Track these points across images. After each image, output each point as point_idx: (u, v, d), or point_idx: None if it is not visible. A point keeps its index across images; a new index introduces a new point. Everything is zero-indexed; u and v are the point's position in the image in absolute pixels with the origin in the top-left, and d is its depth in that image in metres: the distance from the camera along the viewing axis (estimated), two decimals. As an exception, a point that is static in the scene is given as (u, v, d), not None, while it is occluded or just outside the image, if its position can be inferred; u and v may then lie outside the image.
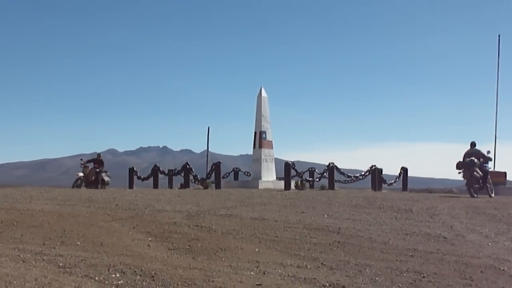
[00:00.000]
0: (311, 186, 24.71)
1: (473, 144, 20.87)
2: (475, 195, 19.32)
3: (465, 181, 19.95)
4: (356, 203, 14.32)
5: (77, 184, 24.54)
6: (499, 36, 29.91)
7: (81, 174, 24.86)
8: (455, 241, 9.60)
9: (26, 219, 9.83)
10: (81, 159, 26.34)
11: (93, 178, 24.97)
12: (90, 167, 25.16)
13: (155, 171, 25.39)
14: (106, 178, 25.59)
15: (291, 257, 7.86)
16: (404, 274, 7.22)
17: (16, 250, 7.55)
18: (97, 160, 25.91)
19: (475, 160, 20.01)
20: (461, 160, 20.35)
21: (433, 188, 28.90)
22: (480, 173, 20.04)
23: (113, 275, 6.48)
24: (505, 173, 26.69)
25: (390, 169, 28.04)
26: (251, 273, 6.89)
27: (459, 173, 20.15)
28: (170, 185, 25.01)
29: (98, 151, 26.82)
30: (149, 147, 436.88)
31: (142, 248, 8.00)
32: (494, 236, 10.26)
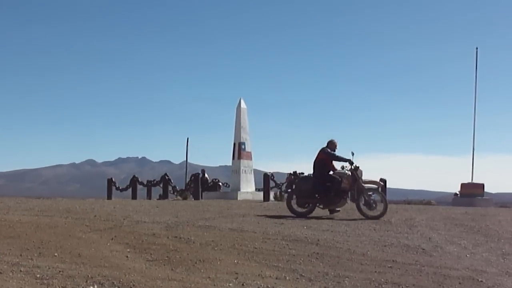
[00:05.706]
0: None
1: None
2: None
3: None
4: (335, 214, 14.36)
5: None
6: (476, 48, 30.33)
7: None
8: (434, 252, 9.66)
9: (3, 230, 9.71)
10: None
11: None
12: None
13: (134, 182, 25.28)
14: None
15: (270, 268, 7.85)
16: (383, 286, 7.25)
17: (-8, 261, 7.45)
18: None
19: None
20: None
21: (411, 200, 29.05)
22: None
23: (91, 287, 6.43)
24: (482, 184, 26.95)
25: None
26: (230, 284, 6.87)
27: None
28: (149, 196, 24.91)
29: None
30: (128, 157, 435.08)
31: (120, 260, 7.94)
32: (472, 248, 10.34)
